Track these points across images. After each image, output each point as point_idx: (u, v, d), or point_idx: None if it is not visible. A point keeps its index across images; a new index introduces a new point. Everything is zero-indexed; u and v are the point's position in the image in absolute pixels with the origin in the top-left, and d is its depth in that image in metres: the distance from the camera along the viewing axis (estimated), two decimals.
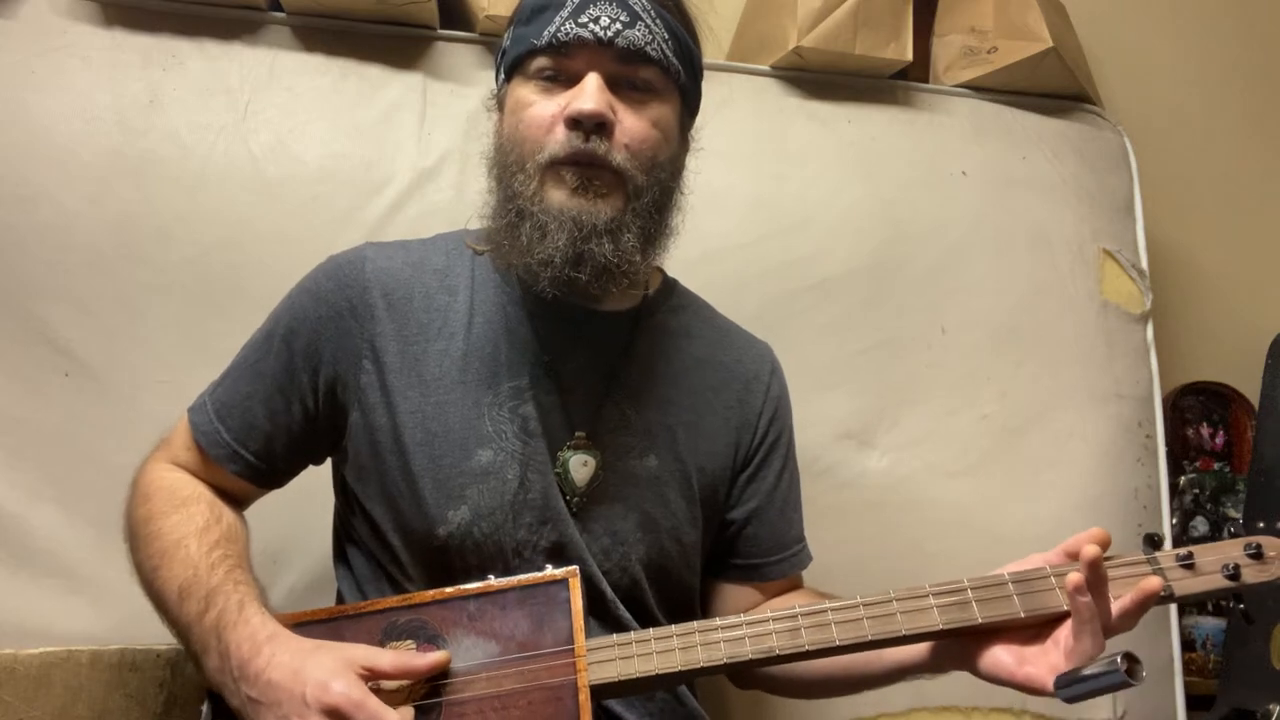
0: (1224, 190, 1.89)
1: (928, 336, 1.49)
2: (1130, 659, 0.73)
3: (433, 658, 0.83)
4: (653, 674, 0.84)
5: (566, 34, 0.90)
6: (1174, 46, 1.90)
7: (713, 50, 1.63)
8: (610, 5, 0.91)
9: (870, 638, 0.84)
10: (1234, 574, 0.82)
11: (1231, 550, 0.84)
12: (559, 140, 0.91)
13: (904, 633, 0.84)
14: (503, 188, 0.95)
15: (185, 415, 1.01)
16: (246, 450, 0.98)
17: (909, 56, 1.52)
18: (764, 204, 1.47)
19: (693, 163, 1.03)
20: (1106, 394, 1.52)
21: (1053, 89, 1.62)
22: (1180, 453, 1.79)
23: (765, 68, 1.55)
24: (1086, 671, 0.76)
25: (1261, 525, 1.59)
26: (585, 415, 0.97)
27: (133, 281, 1.26)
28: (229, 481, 0.99)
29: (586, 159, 0.90)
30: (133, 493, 0.98)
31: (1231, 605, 0.87)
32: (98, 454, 1.22)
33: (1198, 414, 1.83)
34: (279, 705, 0.79)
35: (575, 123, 0.90)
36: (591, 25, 0.90)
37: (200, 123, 1.31)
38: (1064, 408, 1.50)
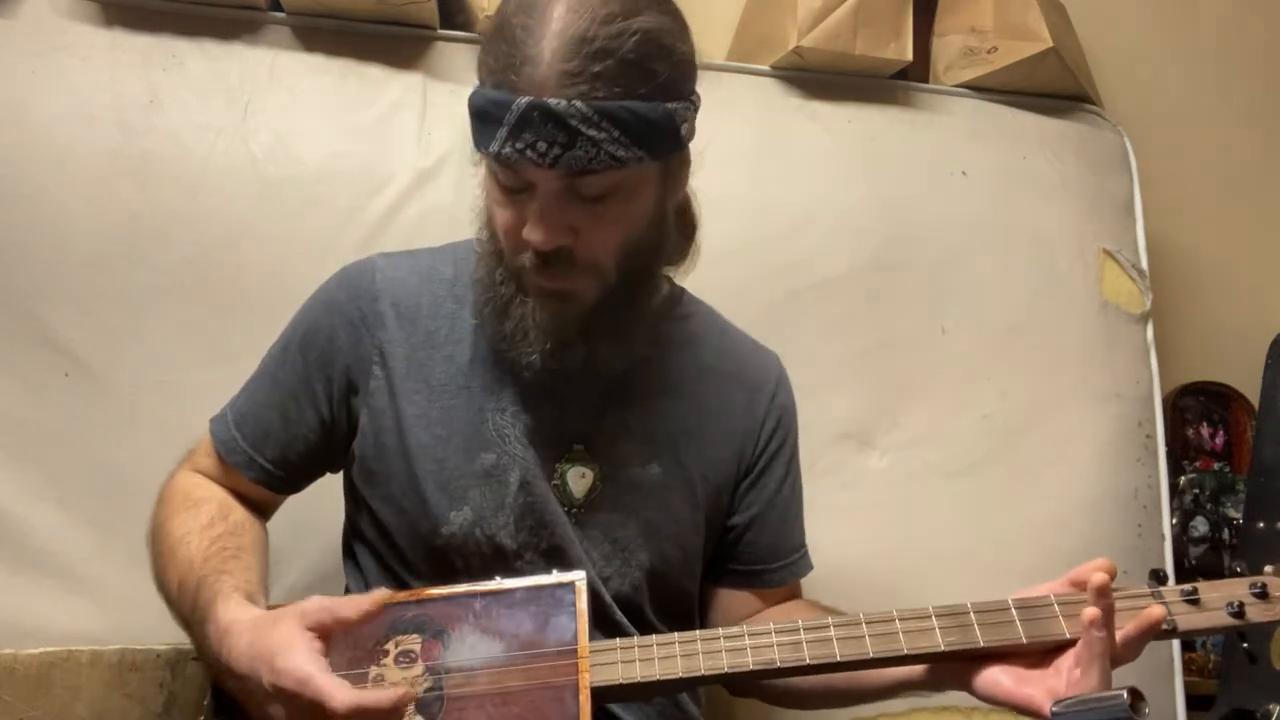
0: (1224, 191, 1.89)
1: (928, 336, 1.49)
2: (1135, 694, 0.72)
3: (392, 693, 0.73)
4: (654, 679, 0.85)
5: (509, 157, 0.84)
6: (1174, 46, 1.90)
7: (714, 51, 1.63)
8: (546, 126, 0.81)
9: (872, 655, 0.84)
10: (1238, 612, 0.83)
11: (1236, 588, 0.85)
12: (527, 257, 0.88)
13: (906, 652, 0.84)
14: (487, 255, 0.95)
15: (209, 425, 1.03)
16: (263, 457, 0.99)
17: (909, 56, 1.52)
18: (764, 204, 1.46)
19: (693, 163, 1.01)
20: (1106, 394, 1.52)
21: (1053, 89, 1.62)
22: (1180, 453, 1.79)
23: (765, 68, 1.55)
24: (1088, 697, 0.75)
25: (1261, 525, 1.59)
26: (585, 426, 0.98)
27: (133, 281, 1.26)
28: (247, 488, 1.01)
29: (553, 275, 0.89)
30: (157, 500, 1.00)
31: (1234, 640, 0.87)
32: (98, 454, 1.22)
33: (1198, 414, 1.83)
34: (251, 695, 0.79)
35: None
36: (529, 151, 0.83)
37: (200, 123, 1.31)
38: (1064, 408, 1.50)
